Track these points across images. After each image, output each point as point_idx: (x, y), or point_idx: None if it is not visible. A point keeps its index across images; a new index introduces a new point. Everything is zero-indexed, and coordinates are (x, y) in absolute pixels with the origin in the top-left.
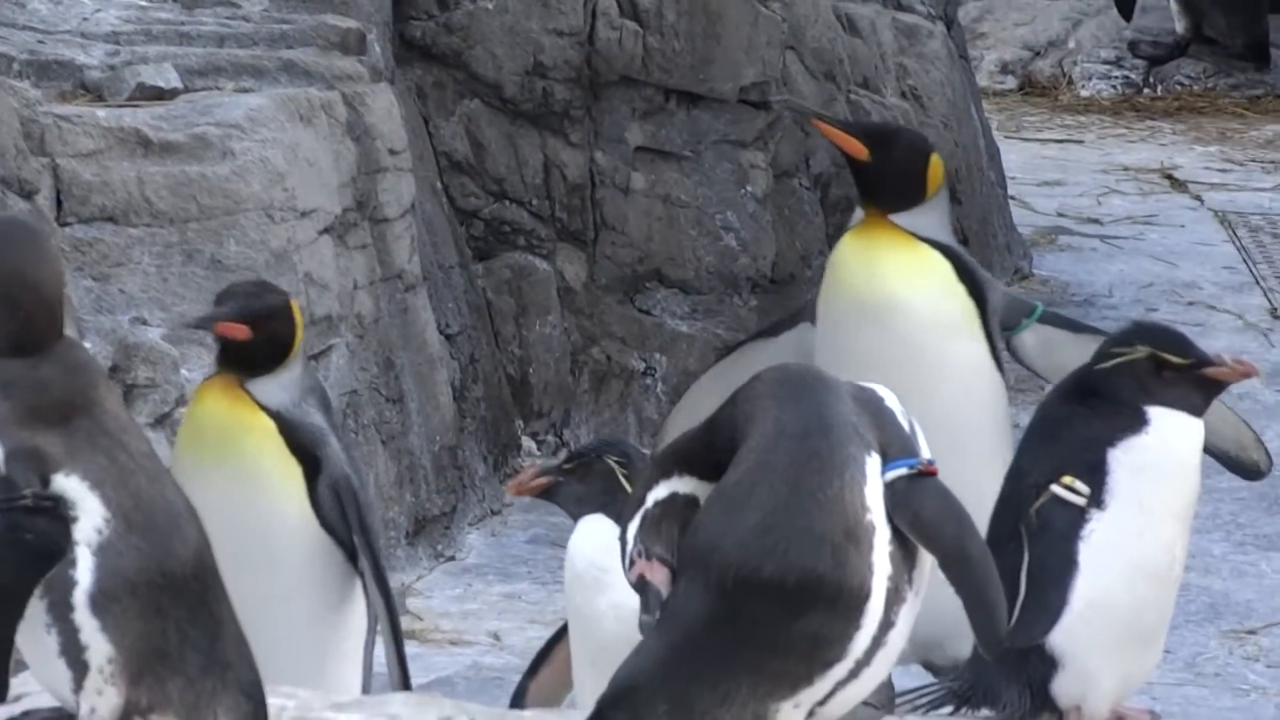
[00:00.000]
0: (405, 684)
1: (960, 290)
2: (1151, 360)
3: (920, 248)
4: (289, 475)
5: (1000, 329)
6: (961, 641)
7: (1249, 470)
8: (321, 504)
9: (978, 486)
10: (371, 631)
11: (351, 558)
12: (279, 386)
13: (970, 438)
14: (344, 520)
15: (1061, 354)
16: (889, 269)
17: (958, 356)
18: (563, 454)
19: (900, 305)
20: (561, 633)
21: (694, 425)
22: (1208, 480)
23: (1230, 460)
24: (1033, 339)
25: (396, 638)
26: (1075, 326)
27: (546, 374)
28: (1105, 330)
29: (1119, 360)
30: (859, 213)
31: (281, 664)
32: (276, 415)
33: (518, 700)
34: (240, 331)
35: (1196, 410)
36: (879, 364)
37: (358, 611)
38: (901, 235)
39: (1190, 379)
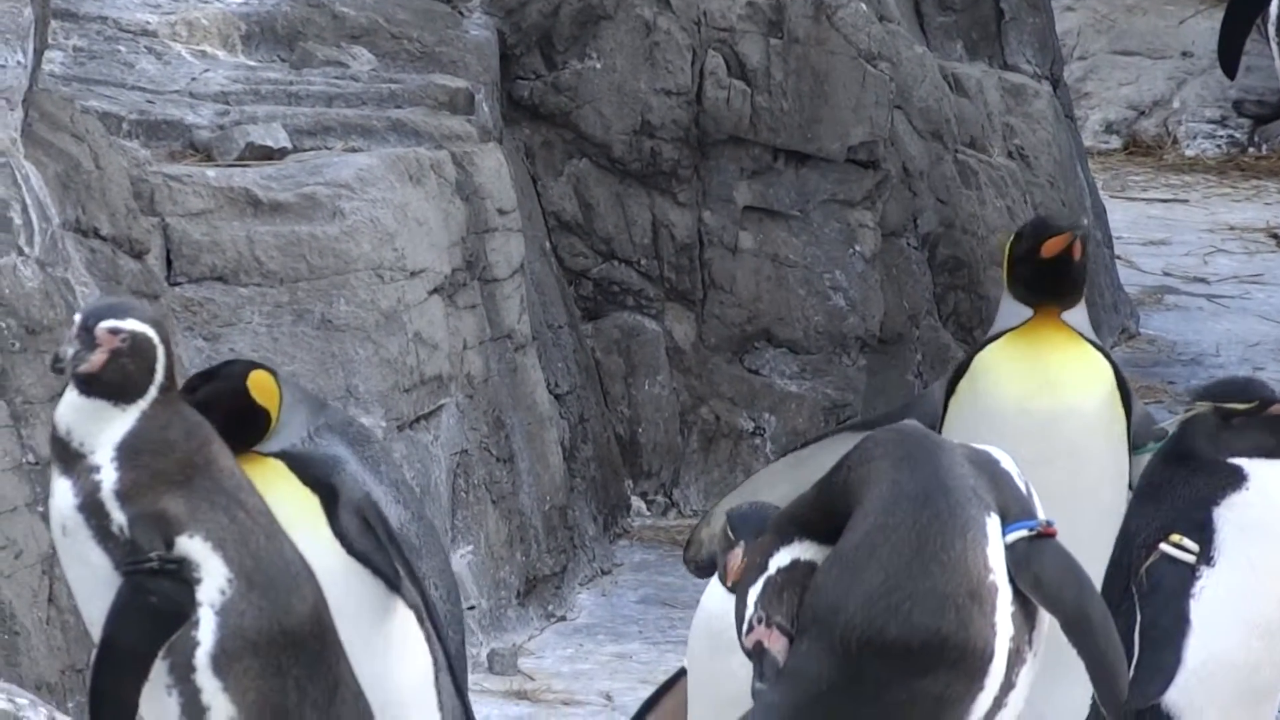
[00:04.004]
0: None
1: (1118, 399)
2: (1217, 413)
3: (1089, 350)
4: (304, 507)
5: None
6: None
7: None
8: (347, 532)
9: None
10: (440, 669)
11: (395, 588)
12: (276, 437)
13: (1103, 549)
14: (380, 546)
15: None
16: (1064, 374)
17: (1114, 468)
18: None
19: (1075, 411)
20: (670, 683)
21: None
22: None
23: None
24: None
25: (451, 666)
26: None
27: (656, 434)
28: None
29: (1185, 418)
30: (1020, 311)
31: None
32: (281, 454)
33: None
34: None
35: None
36: (1037, 466)
37: (415, 646)
38: (1071, 335)
39: (1260, 421)
